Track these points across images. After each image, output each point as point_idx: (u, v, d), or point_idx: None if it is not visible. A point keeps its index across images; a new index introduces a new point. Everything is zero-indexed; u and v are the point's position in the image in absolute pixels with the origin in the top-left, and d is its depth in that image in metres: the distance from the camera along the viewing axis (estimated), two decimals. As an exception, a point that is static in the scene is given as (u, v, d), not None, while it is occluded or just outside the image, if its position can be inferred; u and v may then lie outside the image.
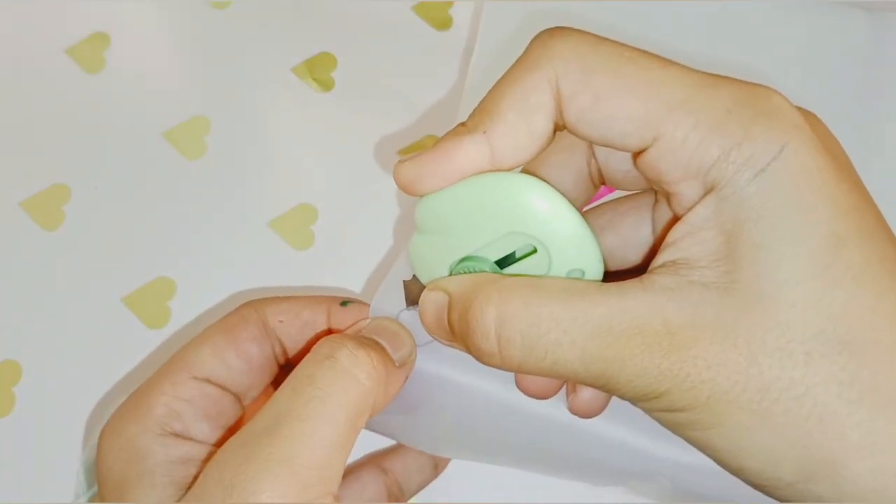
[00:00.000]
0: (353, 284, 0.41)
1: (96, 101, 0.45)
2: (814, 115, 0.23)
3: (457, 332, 0.25)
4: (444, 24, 0.47)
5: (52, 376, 0.39)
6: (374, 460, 0.34)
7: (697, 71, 0.22)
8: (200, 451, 0.27)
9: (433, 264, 0.26)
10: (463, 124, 0.24)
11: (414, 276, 0.28)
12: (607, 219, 0.27)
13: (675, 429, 0.23)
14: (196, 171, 0.43)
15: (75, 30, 0.47)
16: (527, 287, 0.23)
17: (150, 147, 0.44)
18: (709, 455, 0.22)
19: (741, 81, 0.22)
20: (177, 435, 0.27)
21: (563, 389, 0.27)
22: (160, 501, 0.25)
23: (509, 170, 0.24)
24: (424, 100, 0.45)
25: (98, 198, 0.43)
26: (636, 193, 0.27)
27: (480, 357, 0.24)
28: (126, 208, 0.42)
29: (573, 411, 0.27)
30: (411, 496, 0.35)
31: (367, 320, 0.29)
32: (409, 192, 0.24)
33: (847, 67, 0.43)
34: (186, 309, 0.40)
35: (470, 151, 0.23)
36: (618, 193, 0.28)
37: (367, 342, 0.27)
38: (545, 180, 0.25)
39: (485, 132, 0.23)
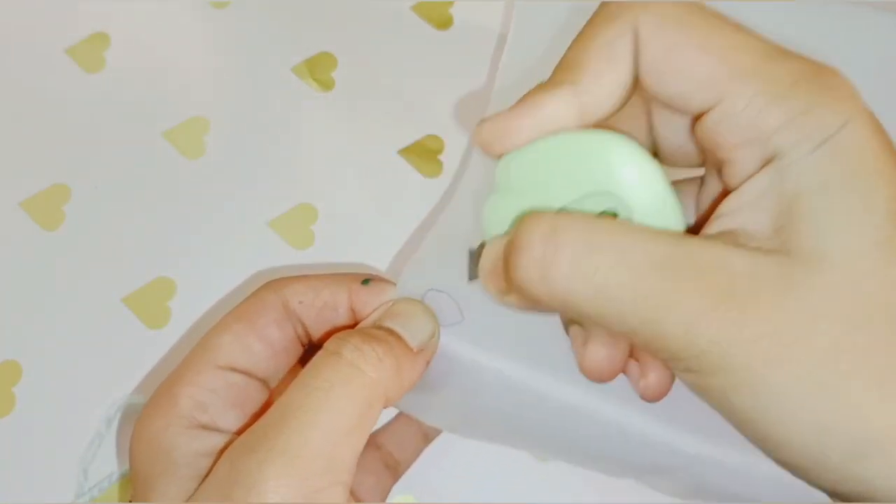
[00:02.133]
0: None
1: (96, 101, 0.45)
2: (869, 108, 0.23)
3: (504, 263, 0.23)
4: (444, 23, 0.47)
5: (52, 376, 0.39)
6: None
7: (770, 41, 0.22)
8: (227, 441, 0.27)
9: (508, 225, 0.25)
10: (544, 83, 0.23)
11: (480, 244, 0.26)
12: None
13: (717, 395, 0.21)
14: (196, 171, 0.43)
15: (75, 30, 0.47)
16: (587, 216, 0.22)
17: (150, 147, 0.44)
18: (749, 430, 0.21)
19: (809, 58, 0.22)
20: (203, 426, 0.27)
21: (615, 380, 0.26)
22: (177, 496, 0.25)
23: (595, 124, 0.23)
24: (424, 100, 0.45)
25: (98, 198, 0.43)
26: (680, 181, 0.27)
27: (519, 277, 0.22)
28: (126, 208, 0.42)
29: (643, 396, 0.26)
30: (408, 467, 0.34)
31: (389, 303, 0.29)
32: (490, 151, 0.23)
33: (881, 71, 0.42)
34: (186, 309, 0.40)
35: (558, 106, 0.22)
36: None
37: (375, 335, 0.26)
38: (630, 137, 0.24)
39: (572, 84, 0.22)
